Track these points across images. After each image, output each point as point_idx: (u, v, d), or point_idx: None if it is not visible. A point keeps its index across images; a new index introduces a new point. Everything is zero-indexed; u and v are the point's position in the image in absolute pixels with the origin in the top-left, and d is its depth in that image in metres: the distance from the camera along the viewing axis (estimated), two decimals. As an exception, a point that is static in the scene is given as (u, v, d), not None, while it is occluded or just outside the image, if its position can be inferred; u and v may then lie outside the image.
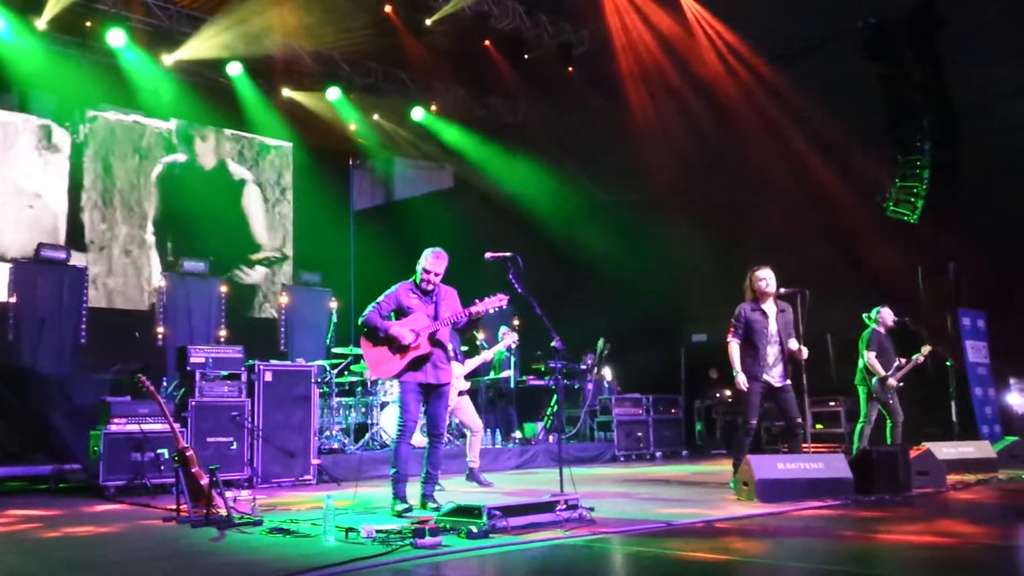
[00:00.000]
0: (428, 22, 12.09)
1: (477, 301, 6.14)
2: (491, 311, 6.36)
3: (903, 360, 8.61)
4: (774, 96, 11.52)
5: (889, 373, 8.46)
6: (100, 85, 12.08)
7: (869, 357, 8.51)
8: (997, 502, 6.57)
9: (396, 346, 5.87)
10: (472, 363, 8.61)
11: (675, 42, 12.13)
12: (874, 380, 8.49)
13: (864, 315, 8.84)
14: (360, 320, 6.00)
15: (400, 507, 5.75)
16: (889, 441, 8.43)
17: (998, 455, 8.47)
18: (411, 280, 6.09)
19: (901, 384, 8.57)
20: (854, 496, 6.18)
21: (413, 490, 5.97)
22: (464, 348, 9.22)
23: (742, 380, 6.85)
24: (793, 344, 7.03)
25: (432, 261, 5.97)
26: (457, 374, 7.92)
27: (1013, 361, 11.32)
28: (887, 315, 8.74)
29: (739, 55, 11.97)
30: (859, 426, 8.59)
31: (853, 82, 11.02)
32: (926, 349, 8.72)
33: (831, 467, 6.35)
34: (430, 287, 6.01)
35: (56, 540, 5.15)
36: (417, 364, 5.90)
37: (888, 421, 8.54)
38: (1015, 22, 10.43)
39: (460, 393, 8.10)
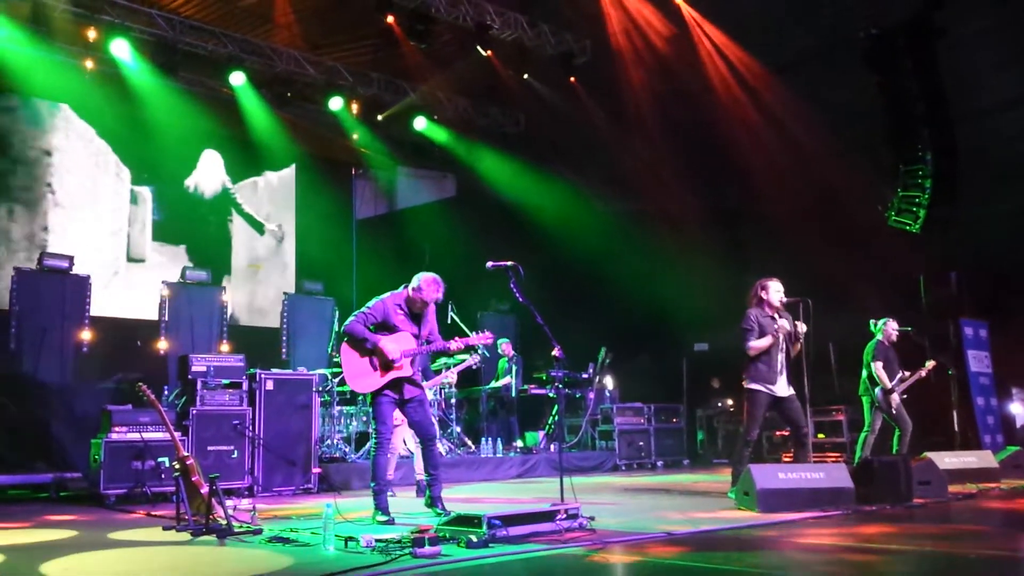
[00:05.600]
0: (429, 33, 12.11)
1: (456, 340, 6.14)
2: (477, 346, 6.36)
3: (907, 373, 8.59)
4: (775, 105, 11.54)
5: (893, 384, 8.45)
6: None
7: (876, 367, 8.48)
8: (998, 513, 6.55)
9: (381, 361, 5.83)
10: (432, 383, 8.44)
11: (677, 52, 12.16)
12: (877, 390, 8.48)
13: (872, 321, 8.80)
14: (344, 327, 5.92)
15: (382, 518, 5.73)
16: (895, 450, 8.41)
17: (1000, 465, 8.44)
18: (401, 293, 5.99)
19: (905, 396, 8.55)
20: (855, 506, 6.16)
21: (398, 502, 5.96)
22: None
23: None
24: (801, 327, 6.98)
25: (435, 290, 5.90)
26: None
27: (1015, 371, 11.31)
28: (891, 329, 8.71)
29: (741, 64, 12.00)
30: (863, 435, 8.58)
31: (854, 91, 11.05)
32: (930, 364, 8.69)
33: (832, 477, 6.33)
34: (421, 311, 5.97)
35: (55, 548, 5.14)
36: (395, 384, 5.89)
37: (896, 431, 8.51)
38: (1012, 32, 10.45)
39: None
